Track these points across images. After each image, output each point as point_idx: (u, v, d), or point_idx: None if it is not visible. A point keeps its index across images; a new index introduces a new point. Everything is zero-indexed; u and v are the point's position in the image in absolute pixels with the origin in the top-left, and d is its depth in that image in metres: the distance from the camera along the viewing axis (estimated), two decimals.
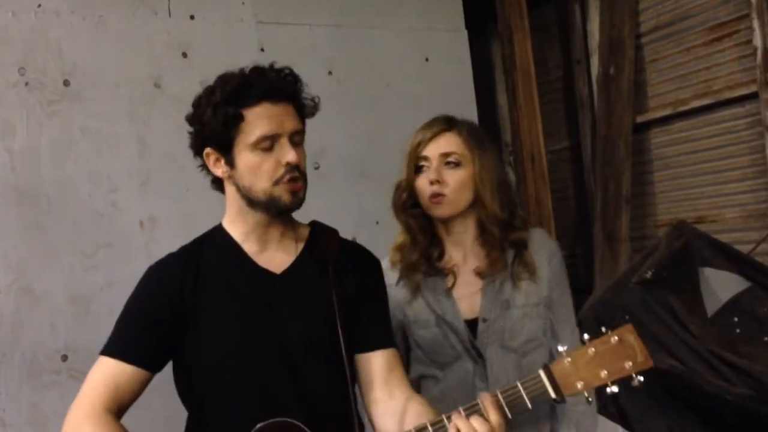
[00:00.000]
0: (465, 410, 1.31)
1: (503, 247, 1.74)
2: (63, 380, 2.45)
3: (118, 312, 2.53)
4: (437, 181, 1.69)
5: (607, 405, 2.21)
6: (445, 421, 1.31)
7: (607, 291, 2.51)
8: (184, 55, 2.76)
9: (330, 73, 3.03)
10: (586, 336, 1.28)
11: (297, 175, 1.43)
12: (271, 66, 1.47)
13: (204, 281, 1.47)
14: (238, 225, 1.51)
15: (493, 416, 1.29)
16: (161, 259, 1.54)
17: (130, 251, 2.58)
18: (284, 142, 1.42)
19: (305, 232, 1.57)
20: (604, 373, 1.24)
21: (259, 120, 1.40)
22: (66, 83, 2.55)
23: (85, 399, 1.39)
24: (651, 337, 2.13)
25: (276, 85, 1.44)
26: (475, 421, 1.28)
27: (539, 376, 1.28)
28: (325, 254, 1.51)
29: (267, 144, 1.41)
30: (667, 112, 3.34)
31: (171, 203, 2.65)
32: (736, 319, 2.22)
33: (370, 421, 1.54)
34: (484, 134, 1.79)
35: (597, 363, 1.24)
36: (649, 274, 2.25)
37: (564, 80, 3.89)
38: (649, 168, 3.50)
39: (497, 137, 3.97)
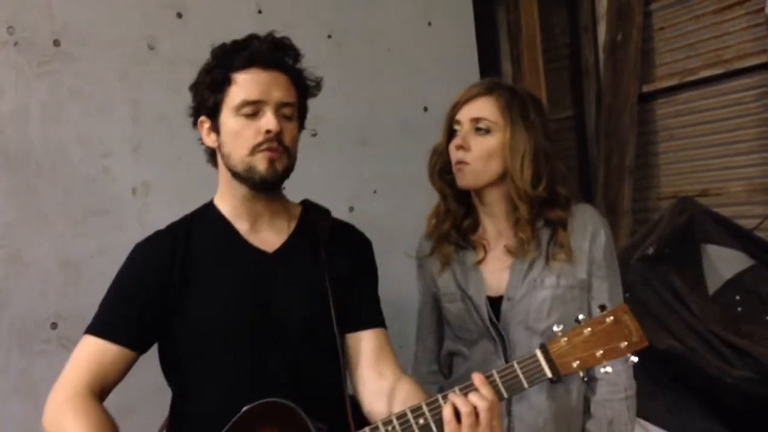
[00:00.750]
0: (461, 389, 1.27)
1: (536, 226, 1.63)
2: (52, 348, 2.41)
3: (110, 280, 2.48)
4: (461, 147, 1.61)
5: None
6: (441, 401, 1.27)
7: None
8: (179, 15, 2.67)
9: (329, 36, 2.93)
10: (581, 316, 1.28)
11: (275, 145, 1.37)
12: (268, 34, 1.43)
13: (194, 259, 1.43)
14: (227, 200, 1.47)
15: (488, 393, 1.25)
16: (149, 236, 1.50)
17: (122, 218, 2.52)
18: (268, 110, 1.37)
19: (297, 211, 1.53)
20: (599, 353, 1.25)
21: (245, 84, 1.37)
22: (56, 43, 2.46)
23: (67, 379, 1.36)
24: (651, 316, 2.10)
25: (268, 50, 1.39)
26: (474, 397, 1.24)
27: (536, 355, 1.26)
28: (317, 234, 1.48)
29: (250, 110, 1.37)
30: (675, 81, 3.27)
31: (165, 169, 2.58)
32: (738, 297, 2.17)
33: (359, 400, 1.51)
34: (530, 100, 1.66)
35: (593, 343, 1.25)
36: (651, 251, 2.20)
37: (570, 47, 3.80)
38: (653, 139, 3.43)
39: None
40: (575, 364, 1.25)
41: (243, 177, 1.40)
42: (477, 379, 1.26)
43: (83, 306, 2.40)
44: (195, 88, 1.45)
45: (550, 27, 3.83)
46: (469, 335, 1.67)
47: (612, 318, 1.25)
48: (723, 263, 2.25)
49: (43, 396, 2.32)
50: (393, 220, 2.85)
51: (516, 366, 1.27)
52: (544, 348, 1.26)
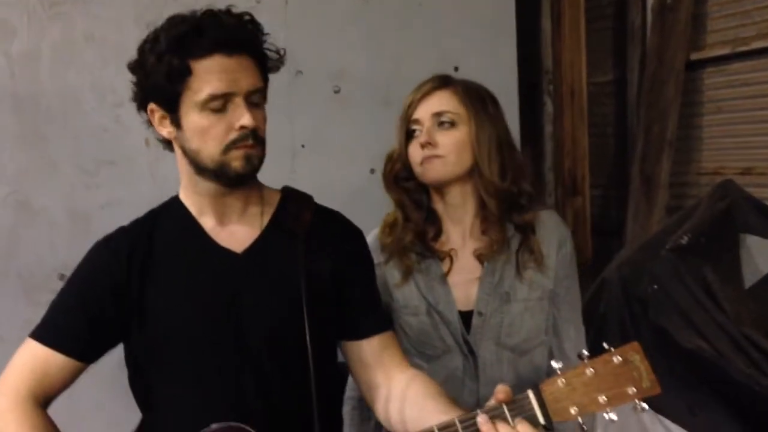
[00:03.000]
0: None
1: (505, 227, 1.56)
2: None
3: None
4: (428, 143, 1.50)
5: None
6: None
7: (637, 251, 2.32)
8: None
9: None
10: (585, 352, 1.10)
11: (251, 141, 1.25)
12: (228, 10, 1.27)
13: (154, 261, 1.31)
14: (191, 195, 1.35)
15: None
16: (110, 233, 1.40)
17: (133, 171, 2.44)
18: (239, 102, 1.24)
19: (274, 200, 1.39)
20: (602, 399, 1.07)
21: (208, 75, 1.21)
22: None
23: (9, 386, 1.26)
24: (680, 313, 1.97)
25: (231, 33, 1.24)
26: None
27: (527, 396, 1.09)
28: (295, 227, 1.33)
29: (218, 104, 1.22)
30: (726, 51, 3.05)
31: None
32: None
33: (372, 409, 1.40)
34: (485, 93, 1.60)
35: (595, 386, 1.07)
36: (684, 240, 2.05)
37: (615, 6, 3.57)
38: (698, 110, 3.23)
39: (538, 64, 3.71)
40: (573, 410, 1.07)
41: (214, 174, 1.28)
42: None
43: None
44: (140, 70, 1.27)
45: None
46: (433, 351, 1.58)
47: (620, 357, 1.07)
48: (762, 255, 2.10)
49: None
50: None
51: (504, 408, 1.09)
52: (537, 389, 1.09)
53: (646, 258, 2.18)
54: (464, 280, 1.58)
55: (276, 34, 2.58)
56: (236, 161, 1.25)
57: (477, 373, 1.56)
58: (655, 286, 2.03)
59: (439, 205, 1.61)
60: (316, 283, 1.32)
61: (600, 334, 2.41)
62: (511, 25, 3.04)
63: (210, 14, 1.26)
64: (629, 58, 3.46)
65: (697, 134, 3.24)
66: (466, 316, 1.57)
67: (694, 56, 3.17)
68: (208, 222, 1.35)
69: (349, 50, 2.70)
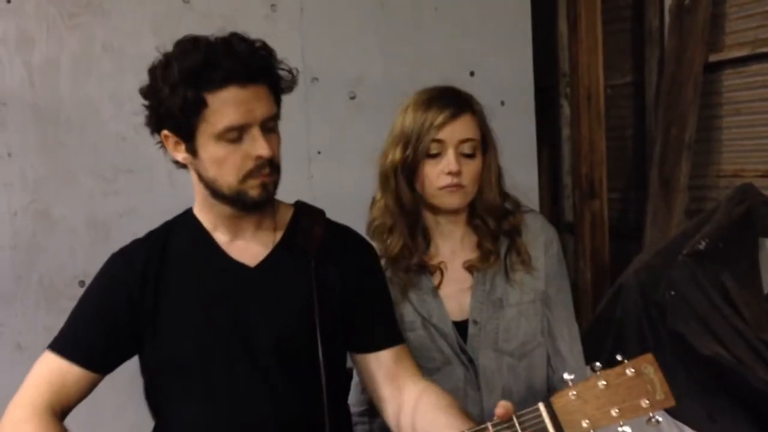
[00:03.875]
0: None
1: (500, 240, 1.58)
2: None
3: None
4: (459, 173, 1.50)
5: None
6: None
7: (655, 256, 2.30)
8: None
9: None
10: (598, 364, 1.09)
11: (267, 170, 1.26)
12: (240, 36, 1.26)
13: (169, 273, 1.33)
14: (206, 213, 1.36)
15: None
16: (125, 246, 1.42)
17: (152, 179, 2.48)
18: (255, 132, 1.24)
19: (287, 215, 1.40)
20: (615, 412, 1.05)
21: (224, 108, 1.21)
22: None
23: (26, 398, 1.28)
24: (697, 318, 1.95)
25: (245, 64, 1.23)
26: None
27: (538, 409, 1.09)
28: (306, 243, 1.34)
29: (234, 135, 1.23)
30: (745, 52, 3.01)
31: None
32: None
33: (383, 418, 1.41)
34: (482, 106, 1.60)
35: (608, 399, 1.06)
36: (702, 245, 2.03)
37: (633, 8, 3.55)
38: (717, 112, 3.20)
39: (555, 67, 3.69)
40: (585, 424, 1.06)
41: (231, 200, 1.30)
42: None
43: None
44: (153, 97, 1.27)
45: None
46: (432, 363, 1.58)
47: (633, 370, 1.06)
48: None
49: None
50: None
51: (515, 421, 1.10)
52: (548, 402, 1.08)
53: (663, 263, 2.16)
54: (455, 291, 1.59)
55: (292, 42, 2.64)
56: (253, 190, 1.27)
57: (478, 382, 1.56)
58: (673, 292, 2.01)
59: (429, 220, 1.61)
60: (328, 298, 1.33)
61: (617, 340, 2.39)
62: (527, 28, 3.04)
63: (223, 43, 1.25)
64: (647, 60, 3.44)
65: (716, 136, 3.21)
66: (461, 326, 1.57)
67: (713, 58, 3.13)
68: (221, 237, 1.37)
69: (365, 56, 2.71)
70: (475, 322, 1.56)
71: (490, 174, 1.55)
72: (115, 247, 2.41)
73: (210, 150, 1.25)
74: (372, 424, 1.70)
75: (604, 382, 1.06)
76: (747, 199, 2.26)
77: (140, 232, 2.41)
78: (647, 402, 1.05)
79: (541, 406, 1.09)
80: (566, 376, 1.10)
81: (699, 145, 3.20)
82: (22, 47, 2.33)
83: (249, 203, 1.29)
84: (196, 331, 1.32)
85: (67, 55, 2.38)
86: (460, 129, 1.51)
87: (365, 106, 2.72)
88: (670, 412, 2.00)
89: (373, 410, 1.54)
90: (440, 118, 1.50)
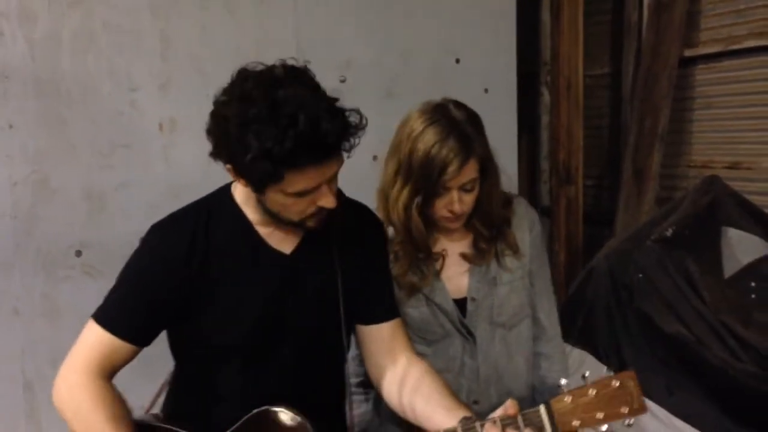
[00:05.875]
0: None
1: (491, 239, 1.72)
2: (76, 274, 2.50)
3: (133, 212, 2.56)
4: (459, 211, 1.63)
5: (609, 356, 2.21)
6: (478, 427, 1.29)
7: (625, 241, 2.45)
8: None
9: None
10: (587, 373, 1.28)
11: (325, 214, 1.35)
12: (328, 113, 1.24)
13: (214, 257, 1.41)
14: (252, 211, 1.44)
15: None
16: (165, 222, 1.46)
17: (147, 153, 2.56)
18: (324, 188, 1.31)
19: None
20: (600, 415, 1.26)
21: (301, 179, 1.26)
22: None
23: (79, 362, 1.38)
24: (662, 299, 2.10)
25: (328, 146, 1.24)
26: None
27: (539, 411, 1.28)
28: (332, 226, 1.44)
29: (304, 194, 1.30)
30: (718, 48, 3.15)
31: (192, 107, 2.58)
32: (753, 284, 2.16)
33: (376, 387, 1.56)
34: (483, 132, 1.66)
35: (596, 405, 1.27)
36: (669, 232, 2.18)
37: (614, 2, 3.67)
38: (689, 105, 3.34)
39: (537, 56, 3.81)
40: (575, 423, 1.27)
41: (285, 224, 1.39)
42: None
43: (107, 236, 2.51)
44: (226, 151, 1.28)
45: None
46: (433, 336, 1.73)
47: (618, 383, 1.27)
48: (742, 248, 2.23)
49: (67, 320, 2.46)
50: None
51: (520, 419, 1.28)
52: (548, 405, 1.28)
53: (632, 248, 2.31)
54: (455, 273, 1.74)
55: (286, 26, 2.72)
56: (311, 223, 1.37)
57: (476, 352, 1.72)
58: (641, 275, 2.16)
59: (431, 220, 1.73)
60: (349, 277, 1.47)
61: (587, 319, 2.54)
62: (512, 18, 3.14)
63: (310, 125, 1.20)
64: (625, 52, 3.56)
65: (688, 128, 3.35)
66: (460, 303, 1.72)
67: (688, 53, 3.27)
68: (262, 229, 1.45)
69: (356, 42, 2.80)
70: (473, 300, 1.71)
71: (490, 196, 1.66)
72: (111, 218, 2.53)
73: (278, 198, 1.31)
74: (368, 395, 1.85)
75: (594, 391, 1.27)
76: (712, 190, 2.40)
77: (135, 204, 2.52)
78: (626, 409, 1.26)
79: (542, 407, 1.28)
80: (562, 382, 1.29)
81: (671, 137, 3.35)
82: (24, 22, 2.38)
83: (305, 229, 1.40)
84: (239, 314, 1.42)
85: (67, 31, 2.43)
86: (465, 175, 1.59)
87: (354, 90, 2.80)
88: None
89: (369, 381, 1.67)
90: (449, 171, 1.56)
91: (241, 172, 1.29)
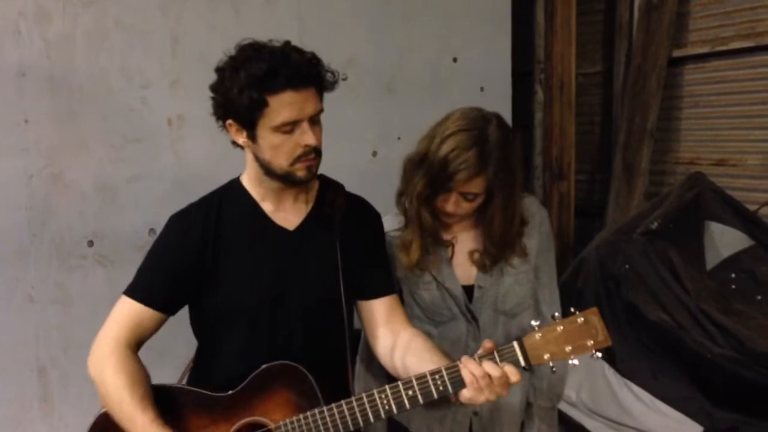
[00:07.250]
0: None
1: (496, 257, 1.80)
2: (89, 264, 2.60)
3: (143, 205, 2.66)
4: (453, 213, 1.73)
5: None
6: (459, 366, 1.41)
7: (613, 233, 2.56)
8: None
9: None
10: (557, 314, 1.40)
11: (313, 156, 1.52)
12: (296, 48, 1.51)
13: (224, 236, 1.59)
14: (256, 186, 1.62)
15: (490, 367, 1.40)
16: (183, 210, 1.63)
17: (157, 148, 2.66)
18: (305, 125, 1.49)
19: (315, 187, 1.67)
20: (568, 348, 1.38)
21: (282, 107, 1.46)
22: None
23: (110, 334, 1.54)
24: (646, 288, 2.21)
25: (300, 72, 1.47)
26: (487, 365, 1.39)
27: (513, 346, 1.40)
28: (332, 210, 1.63)
29: (288, 128, 1.48)
30: (706, 49, 3.28)
31: (200, 103, 2.61)
32: (733, 275, 2.28)
33: (375, 355, 1.69)
34: (511, 143, 1.71)
35: (564, 339, 1.38)
36: (654, 225, 2.29)
37: (606, 3, 3.79)
38: (677, 104, 3.47)
39: (531, 55, 3.91)
40: (546, 356, 1.38)
41: (280, 178, 1.55)
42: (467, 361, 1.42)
43: (118, 227, 2.62)
44: (221, 94, 1.53)
45: None
46: (441, 317, 1.84)
47: (582, 319, 1.38)
48: (723, 241, 2.35)
49: (79, 307, 2.56)
50: None
51: (495, 354, 1.40)
52: (520, 340, 1.40)
53: (620, 240, 2.42)
54: (463, 262, 1.84)
55: (290, 26, 2.82)
56: (300, 171, 1.53)
57: (479, 335, 1.83)
58: (627, 266, 2.28)
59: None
60: (349, 255, 1.62)
61: (577, 307, 2.65)
62: (507, 19, 3.25)
63: (281, 53, 1.48)
64: (616, 51, 3.68)
65: (676, 126, 3.47)
66: (468, 290, 1.83)
67: (676, 53, 3.39)
68: (267, 206, 1.63)
69: (357, 41, 2.91)
70: (480, 287, 1.82)
71: (492, 219, 1.72)
72: (122, 210, 2.64)
73: (267, 138, 1.50)
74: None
75: (562, 327, 1.39)
76: (697, 186, 2.52)
77: (145, 196, 2.62)
78: (591, 342, 1.38)
79: (515, 343, 1.40)
80: (533, 322, 1.41)
81: (660, 134, 3.47)
82: (41, 22, 2.47)
83: (297, 182, 1.55)
84: (248, 283, 1.59)
85: (81, 30, 2.52)
86: (470, 187, 1.68)
87: (356, 87, 2.92)
88: (619, 370, 2.28)
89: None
90: (457, 179, 1.64)
91: (235, 114, 1.50)
